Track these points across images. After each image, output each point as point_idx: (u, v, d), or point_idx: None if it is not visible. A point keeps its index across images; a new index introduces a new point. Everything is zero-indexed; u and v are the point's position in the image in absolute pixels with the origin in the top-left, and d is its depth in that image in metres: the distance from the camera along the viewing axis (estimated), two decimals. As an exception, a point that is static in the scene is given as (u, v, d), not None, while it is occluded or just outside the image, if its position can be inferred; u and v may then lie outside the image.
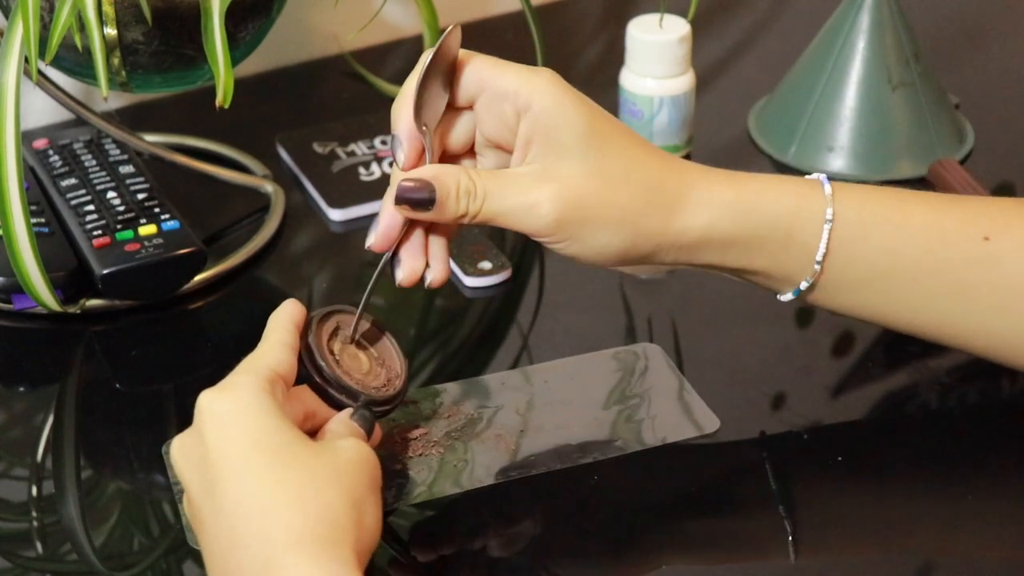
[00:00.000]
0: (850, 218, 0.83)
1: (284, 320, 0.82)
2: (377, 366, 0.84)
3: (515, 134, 0.82)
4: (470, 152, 0.85)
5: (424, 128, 0.81)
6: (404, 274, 0.83)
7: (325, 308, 0.84)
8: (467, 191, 0.81)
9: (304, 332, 0.82)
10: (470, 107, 0.83)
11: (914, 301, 0.84)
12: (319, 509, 0.72)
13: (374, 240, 0.82)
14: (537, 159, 0.81)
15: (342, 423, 0.80)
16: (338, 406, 0.81)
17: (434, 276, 0.83)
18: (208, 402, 0.75)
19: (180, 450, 0.76)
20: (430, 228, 0.83)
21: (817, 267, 0.83)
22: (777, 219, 0.83)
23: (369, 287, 0.83)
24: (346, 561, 0.70)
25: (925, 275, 0.83)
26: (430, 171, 0.81)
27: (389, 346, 0.85)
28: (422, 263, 0.83)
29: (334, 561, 0.70)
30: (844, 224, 0.82)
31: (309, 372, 0.81)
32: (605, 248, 0.82)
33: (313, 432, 0.80)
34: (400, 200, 0.81)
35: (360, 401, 0.81)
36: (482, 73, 0.82)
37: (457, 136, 0.84)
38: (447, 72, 0.82)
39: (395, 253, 0.83)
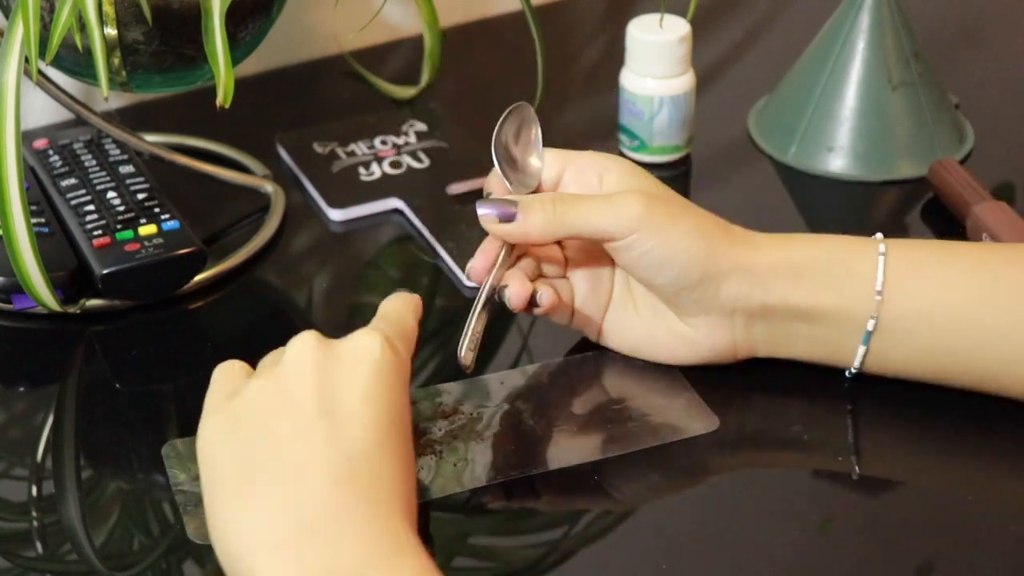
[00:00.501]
0: (901, 255, 0.86)
1: (417, 314, 0.85)
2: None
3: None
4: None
5: (512, 187, 0.88)
6: (514, 296, 0.88)
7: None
8: (552, 199, 0.86)
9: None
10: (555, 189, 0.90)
11: (973, 341, 0.85)
12: (412, 505, 0.73)
13: (471, 268, 0.89)
14: (619, 184, 0.88)
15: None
16: None
17: (543, 299, 0.88)
18: (379, 347, 0.76)
19: (306, 349, 0.76)
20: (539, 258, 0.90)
21: (878, 298, 0.85)
22: (837, 253, 0.87)
23: (471, 318, 0.88)
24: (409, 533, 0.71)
25: (981, 311, 0.85)
26: (513, 195, 0.88)
27: None
28: (528, 291, 0.88)
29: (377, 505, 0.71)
30: (896, 259, 0.86)
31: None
32: (687, 250, 0.86)
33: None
34: (484, 215, 0.86)
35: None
36: (563, 153, 0.89)
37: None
38: (530, 144, 0.90)
39: (504, 284, 0.88)
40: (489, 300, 0.88)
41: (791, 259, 0.87)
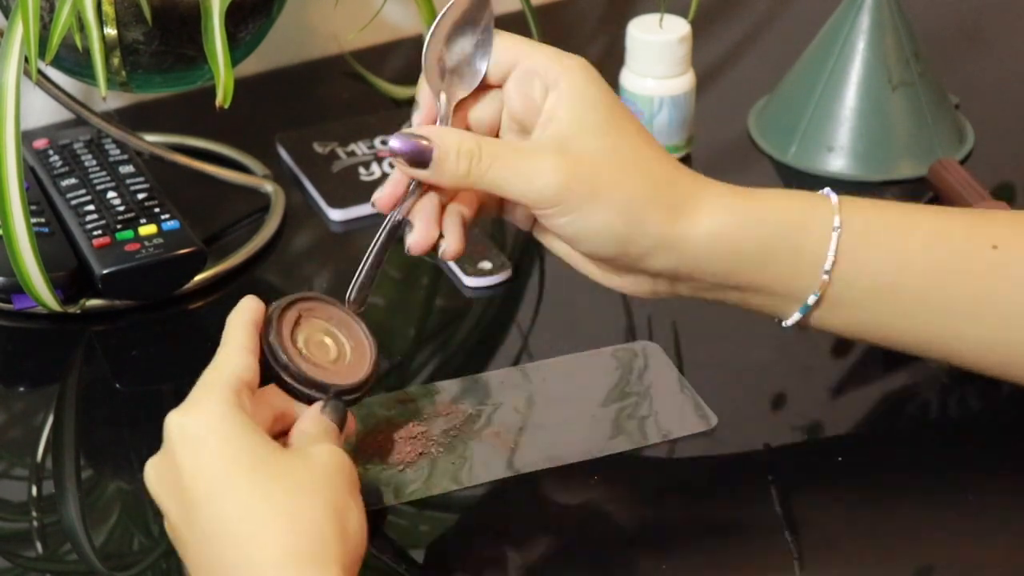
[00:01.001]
0: (857, 226, 0.81)
1: (241, 321, 0.80)
2: (345, 350, 0.83)
3: (540, 113, 0.81)
4: (494, 135, 0.84)
5: (442, 97, 0.81)
6: (412, 239, 0.82)
7: (284, 300, 0.82)
8: (469, 153, 0.80)
9: (264, 329, 0.80)
10: (500, 86, 0.83)
11: (922, 314, 0.82)
12: (303, 526, 0.71)
13: (377, 197, 0.82)
14: (555, 133, 0.80)
15: (312, 421, 0.78)
16: (308, 400, 0.80)
17: (447, 246, 0.82)
18: (177, 425, 0.74)
19: (155, 475, 0.75)
20: (451, 198, 0.83)
21: (825, 277, 0.81)
22: (786, 229, 0.81)
23: (369, 253, 0.82)
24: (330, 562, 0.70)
25: (933, 285, 0.82)
26: (432, 130, 0.81)
27: (356, 328, 0.84)
28: (434, 232, 0.82)
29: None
30: (851, 232, 0.81)
31: (273, 370, 0.80)
32: (604, 230, 0.80)
33: (285, 432, 0.79)
34: (395, 149, 0.80)
35: (330, 393, 0.80)
36: (515, 49, 0.82)
37: (483, 114, 0.84)
38: (478, 43, 0.82)
39: (408, 220, 0.82)
40: (392, 237, 0.83)
41: (733, 237, 0.81)
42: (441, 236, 0.82)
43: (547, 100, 0.81)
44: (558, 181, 0.79)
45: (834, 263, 0.81)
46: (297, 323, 0.82)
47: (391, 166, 1.12)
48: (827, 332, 0.85)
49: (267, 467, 0.72)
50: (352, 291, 0.83)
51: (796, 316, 0.83)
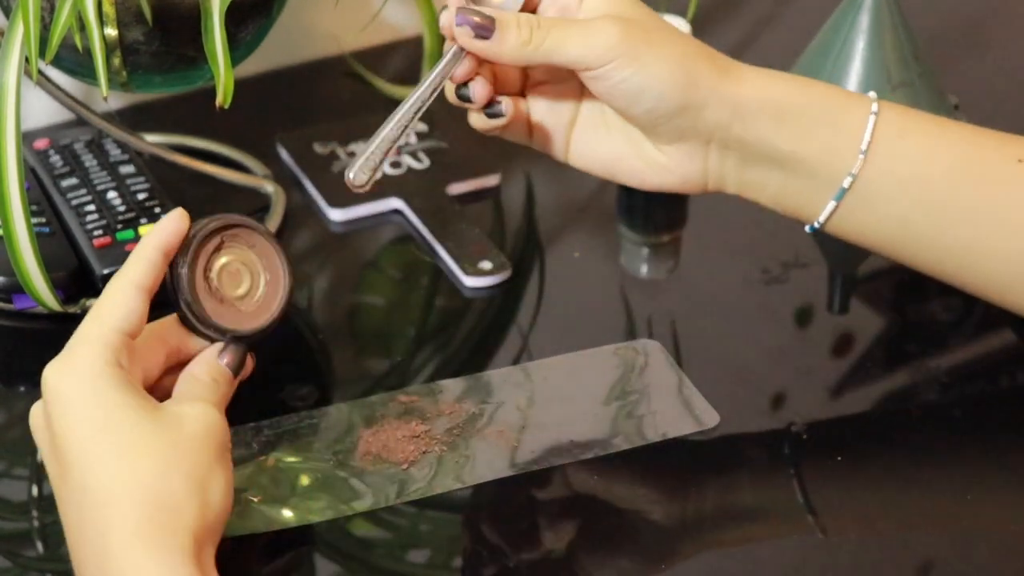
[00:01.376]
0: (893, 117, 0.84)
1: (150, 248, 0.80)
2: (260, 284, 0.83)
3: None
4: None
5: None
6: (477, 89, 0.83)
7: (209, 222, 0.81)
8: (528, 21, 0.82)
9: (178, 255, 0.80)
10: None
11: (945, 213, 0.84)
12: (158, 496, 0.73)
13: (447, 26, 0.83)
14: (596, 6, 0.83)
15: (205, 366, 0.80)
16: (207, 339, 0.80)
17: (508, 107, 0.84)
18: (53, 383, 0.76)
19: (36, 425, 0.78)
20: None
21: (861, 157, 0.83)
22: (827, 103, 0.84)
23: (395, 118, 0.83)
24: (183, 549, 0.72)
25: (959, 186, 0.84)
26: (489, 8, 0.83)
27: (278, 263, 0.83)
28: (491, 89, 0.83)
29: (171, 552, 0.71)
30: (887, 120, 0.84)
31: (176, 301, 0.80)
32: (666, 77, 0.82)
33: (181, 365, 0.80)
34: (460, 22, 0.81)
35: (227, 338, 0.80)
36: None
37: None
38: None
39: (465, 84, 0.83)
40: (415, 115, 0.83)
41: (778, 100, 0.84)
42: (494, 96, 0.84)
43: (584, 5, 0.83)
44: (617, 32, 0.81)
45: (870, 144, 0.83)
46: (218, 248, 0.82)
47: (391, 166, 1.12)
48: (851, 239, 0.86)
49: (132, 433, 0.74)
50: (356, 162, 0.82)
51: (830, 206, 0.85)
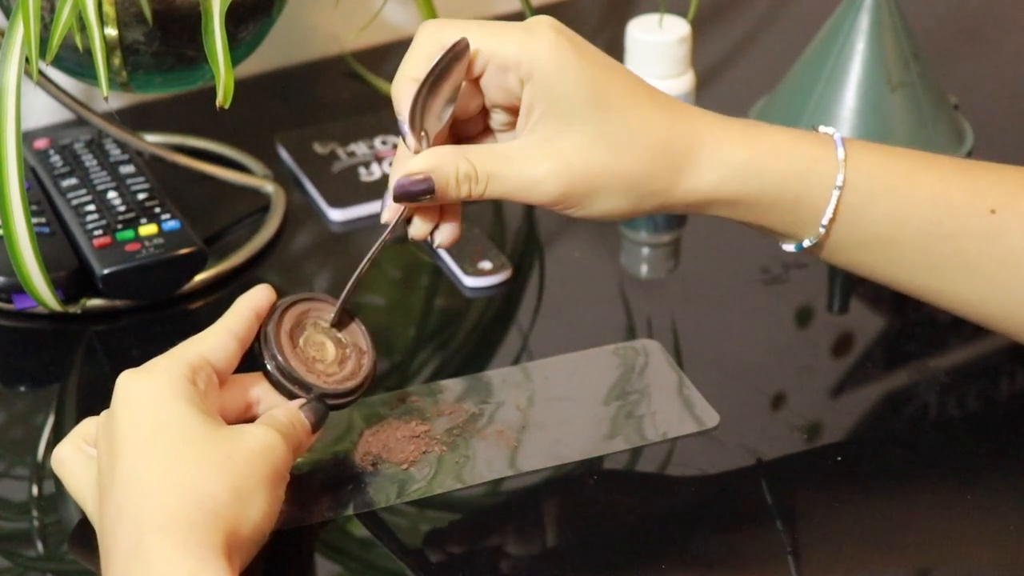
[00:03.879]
0: (860, 185, 0.83)
1: (243, 306, 0.83)
2: (345, 356, 0.84)
3: (520, 100, 0.81)
4: (482, 113, 0.84)
5: (424, 134, 0.81)
6: (414, 231, 0.83)
7: (296, 296, 0.85)
8: (467, 176, 0.81)
9: (266, 318, 0.82)
10: (478, 78, 0.82)
11: (916, 268, 0.84)
12: (198, 496, 0.74)
13: (384, 216, 0.83)
14: (539, 127, 0.81)
15: (286, 410, 0.81)
16: (290, 396, 0.82)
17: (442, 238, 0.83)
18: (124, 383, 0.78)
19: (100, 425, 0.79)
20: None
21: (822, 230, 0.83)
22: (787, 183, 0.82)
23: (367, 259, 0.83)
24: (214, 546, 0.72)
25: (929, 245, 0.83)
26: (427, 162, 0.81)
27: (360, 336, 0.85)
28: (432, 222, 0.83)
29: (201, 546, 0.72)
30: (853, 191, 0.82)
31: (262, 359, 0.82)
32: (612, 211, 0.82)
33: (252, 420, 0.81)
34: (399, 196, 0.81)
35: (312, 393, 0.82)
36: (483, 44, 0.81)
37: (467, 104, 0.83)
38: (455, 84, 0.81)
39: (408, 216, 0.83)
40: (382, 247, 0.84)
41: (733, 191, 0.82)
42: (436, 226, 0.83)
43: (524, 92, 0.81)
44: (556, 186, 0.81)
45: (832, 219, 0.83)
46: (301, 322, 0.84)
47: (391, 166, 1.12)
48: (823, 261, 0.87)
49: (188, 438, 0.76)
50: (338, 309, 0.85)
51: (791, 248, 0.85)
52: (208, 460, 0.75)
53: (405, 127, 0.81)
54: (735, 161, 0.82)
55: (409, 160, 0.81)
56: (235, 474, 0.75)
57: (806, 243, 0.84)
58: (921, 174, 0.84)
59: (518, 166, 0.81)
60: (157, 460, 0.75)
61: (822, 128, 0.85)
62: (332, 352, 0.84)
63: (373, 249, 0.83)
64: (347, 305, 0.85)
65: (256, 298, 0.83)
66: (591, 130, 0.81)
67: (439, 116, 0.82)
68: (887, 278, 0.85)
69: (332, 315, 0.85)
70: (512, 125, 0.84)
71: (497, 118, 0.84)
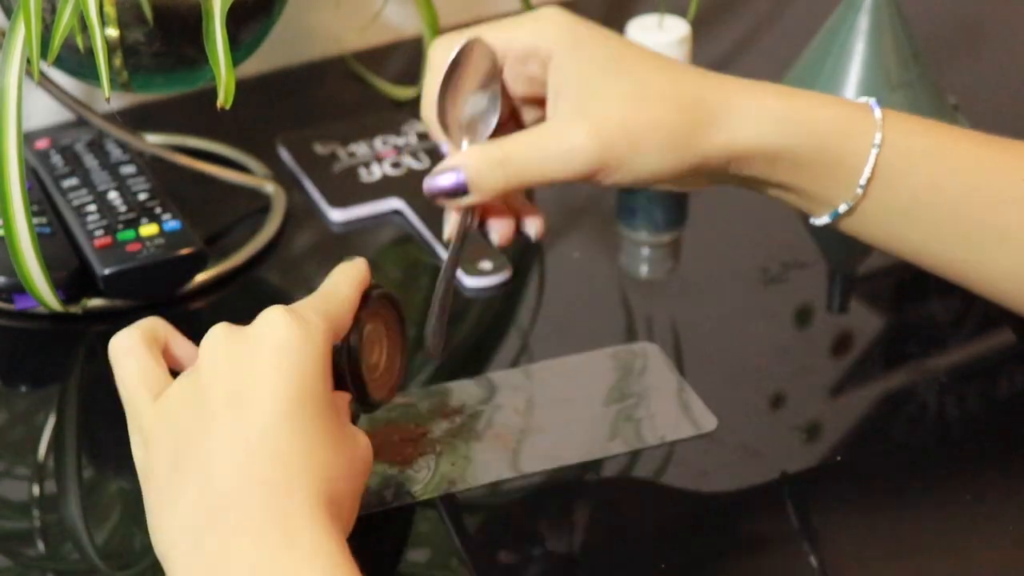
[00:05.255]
0: (898, 145, 0.82)
1: (355, 281, 0.79)
2: (385, 361, 0.82)
3: (546, 86, 0.81)
4: (513, 119, 0.84)
5: (463, 144, 0.81)
6: (497, 236, 0.83)
7: (380, 292, 0.81)
8: (499, 162, 0.80)
9: (359, 310, 0.79)
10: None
11: (948, 236, 0.83)
12: (333, 491, 0.70)
13: (447, 236, 0.83)
14: (569, 101, 0.80)
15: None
16: (339, 388, 0.78)
17: (537, 228, 0.83)
18: (274, 319, 0.72)
19: (218, 336, 0.73)
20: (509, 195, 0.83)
21: (860, 191, 0.82)
22: (826, 138, 0.82)
23: (440, 290, 0.81)
24: (344, 547, 0.69)
25: (963, 210, 0.83)
26: (451, 159, 0.81)
27: (397, 348, 0.84)
28: (512, 223, 0.83)
29: (341, 544, 0.68)
30: (891, 151, 0.82)
31: (342, 351, 0.78)
32: (653, 169, 0.81)
33: None
34: (430, 193, 0.80)
35: (357, 397, 0.80)
36: (498, 45, 0.81)
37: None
38: (484, 85, 0.81)
39: (482, 224, 0.83)
40: (456, 265, 0.83)
41: (771, 145, 0.82)
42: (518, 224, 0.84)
43: (550, 75, 0.80)
44: (595, 147, 0.79)
45: (870, 178, 0.82)
46: (371, 317, 0.81)
47: (391, 166, 1.12)
48: (855, 237, 0.86)
49: (328, 422, 0.71)
50: (430, 329, 0.82)
51: (825, 219, 0.84)
52: (343, 456, 0.71)
53: (440, 142, 0.81)
54: (772, 111, 0.82)
55: None
56: (357, 479, 0.73)
57: (842, 208, 0.83)
58: (957, 141, 0.84)
59: (553, 141, 0.80)
60: (303, 432, 0.70)
61: (858, 100, 0.85)
62: (376, 355, 0.81)
63: (444, 270, 0.81)
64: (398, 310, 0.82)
65: (362, 274, 0.79)
66: (621, 88, 0.80)
67: (478, 119, 0.82)
68: (916, 250, 0.85)
69: (391, 316, 0.82)
70: (545, 119, 0.83)
71: (529, 117, 0.84)
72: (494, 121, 0.83)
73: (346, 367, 0.78)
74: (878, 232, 0.85)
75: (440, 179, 0.81)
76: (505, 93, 0.83)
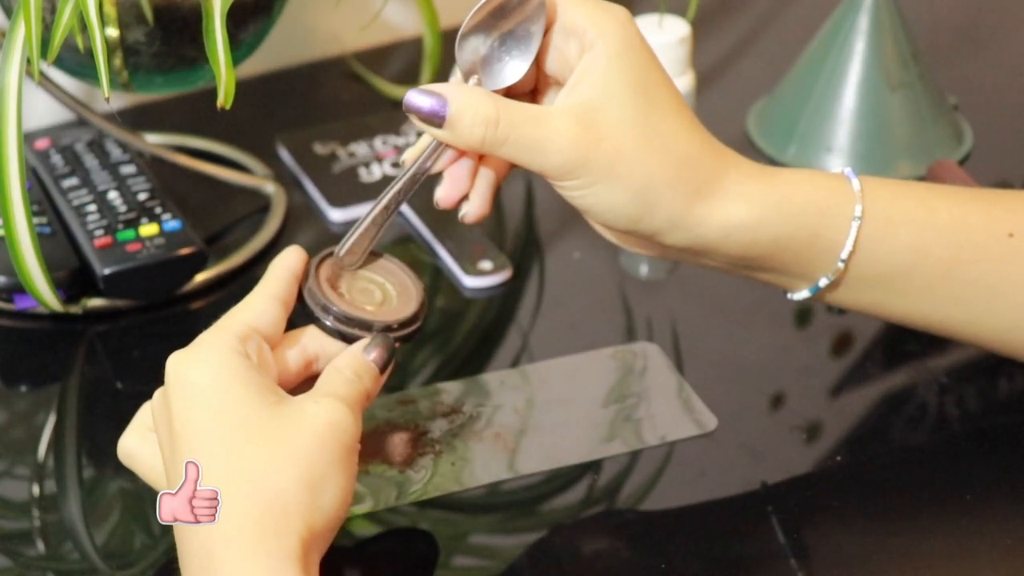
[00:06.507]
0: (878, 215, 0.81)
1: (278, 269, 0.79)
2: (391, 295, 0.81)
3: (572, 72, 0.78)
4: (532, 93, 0.82)
5: (471, 80, 0.78)
6: (442, 193, 0.79)
7: (325, 251, 0.81)
8: (486, 119, 0.76)
9: (303, 279, 0.79)
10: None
11: (936, 299, 0.82)
12: (265, 495, 0.70)
13: (406, 155, 0.80)
14: (582, 97, 0.77)
15: (348, 358, 0.77)
16: (352, 342, 0.78)
17: (470, 209, 0.79)
18: (176, 367, 0.74)
19: (155, 410, 0.75)
20: (481, 160, 0.80)
21: (841, 265, 0.81)
22: (805, 217, 0.80)
23: (376, 204, 0.79)
24: (288, 554, 0.69)
25: (949, 272, 0.81)
26: (450, 88, 0.77)
27: (402, 275, 0.82)
28: (462, 189, 0.79)
29: (272, 555, 0.69)
30: (872, 222, 0.80)
31: (314, 315, 0.78)
32: (617, 208, 0.78)
33: (317, 376, 0.77)
34: (408, 105, 0.76)
35: (374, 329, 0.78)
36: (557, 5, 0.78)
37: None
38: (523, 33, 0.78)
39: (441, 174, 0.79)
40: (405, 192, 0.79)
41: (750, 227, 0.79)
42: (466, 197, 0.80)
43: (581, 62, 0.78)
44: (575, 155, 0.77)
45: (852, 251, 0.80)
46: (337, 273, 0.80)
47: (393, 166, 1.12)
48: (839, 307, 0.85)
49: (247, 425, 0.72)
50: (345, 244, 0.80)
51: (805, 294, 0.83)
52: (273, 450, 0.71)
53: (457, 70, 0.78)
54: (755, 194, 0.79)
55: None
56: (303, 462, 0.71)
57: (822, 282, 0.81)
58: (936, 201, 0.82)
59: (543, 124, 0.77)
60: (218, 457, 0.71)
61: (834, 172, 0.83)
62: (378, 294, 0.81)
63: (397, 180, 0.79)
64: (374, 247, 0.81)
65: (290, 259, 0.79)
66: (630, 116, 0.77)
67: (501, 66, 0.78)
68: (905, 313, 0.83)
69: (370, 259, 0.81)
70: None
71: (548, 100, 0.81)
72: (513, 77, 0.79)
73: (323, 318, 0.78)
74: (862, 300, 0.83)
75: (422, 97, 0.77)
76: (538, 60, 0.80)
